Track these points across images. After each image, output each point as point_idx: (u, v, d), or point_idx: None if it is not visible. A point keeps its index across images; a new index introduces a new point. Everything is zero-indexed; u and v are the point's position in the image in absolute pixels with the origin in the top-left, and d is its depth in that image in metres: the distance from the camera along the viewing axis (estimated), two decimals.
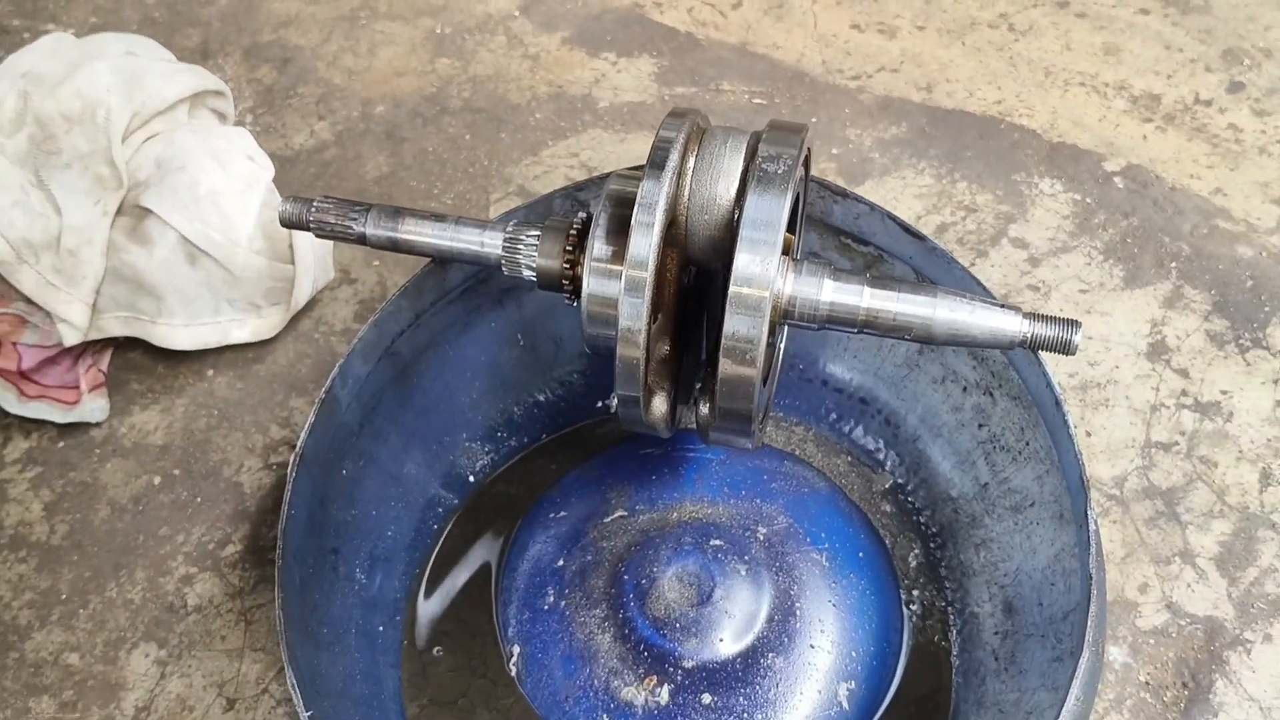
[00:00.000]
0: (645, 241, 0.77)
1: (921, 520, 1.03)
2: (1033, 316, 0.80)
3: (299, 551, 0.88)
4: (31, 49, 1.18)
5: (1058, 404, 0.83)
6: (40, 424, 1.15)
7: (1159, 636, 0.97)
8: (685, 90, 1.37)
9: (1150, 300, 1.15)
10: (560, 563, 1.00)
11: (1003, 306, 0.81)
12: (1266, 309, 1.14)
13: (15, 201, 1.06)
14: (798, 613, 0.94)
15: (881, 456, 1.07)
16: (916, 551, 1.02)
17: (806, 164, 0.88)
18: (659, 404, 0.84)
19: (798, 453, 1.09)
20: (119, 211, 1.10)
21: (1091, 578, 0.75)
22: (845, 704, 0.92)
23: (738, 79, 1.37)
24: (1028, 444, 0.94)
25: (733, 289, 0.75)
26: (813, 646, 0.93)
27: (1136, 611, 0.98)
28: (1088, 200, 1.23)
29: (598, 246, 0.81)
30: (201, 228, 1.09)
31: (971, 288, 0.90)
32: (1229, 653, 0.96)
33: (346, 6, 1.49)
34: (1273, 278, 1.16)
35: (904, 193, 1.26)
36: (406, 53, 1.44)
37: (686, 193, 0.81)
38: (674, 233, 0.81)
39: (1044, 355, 0.87)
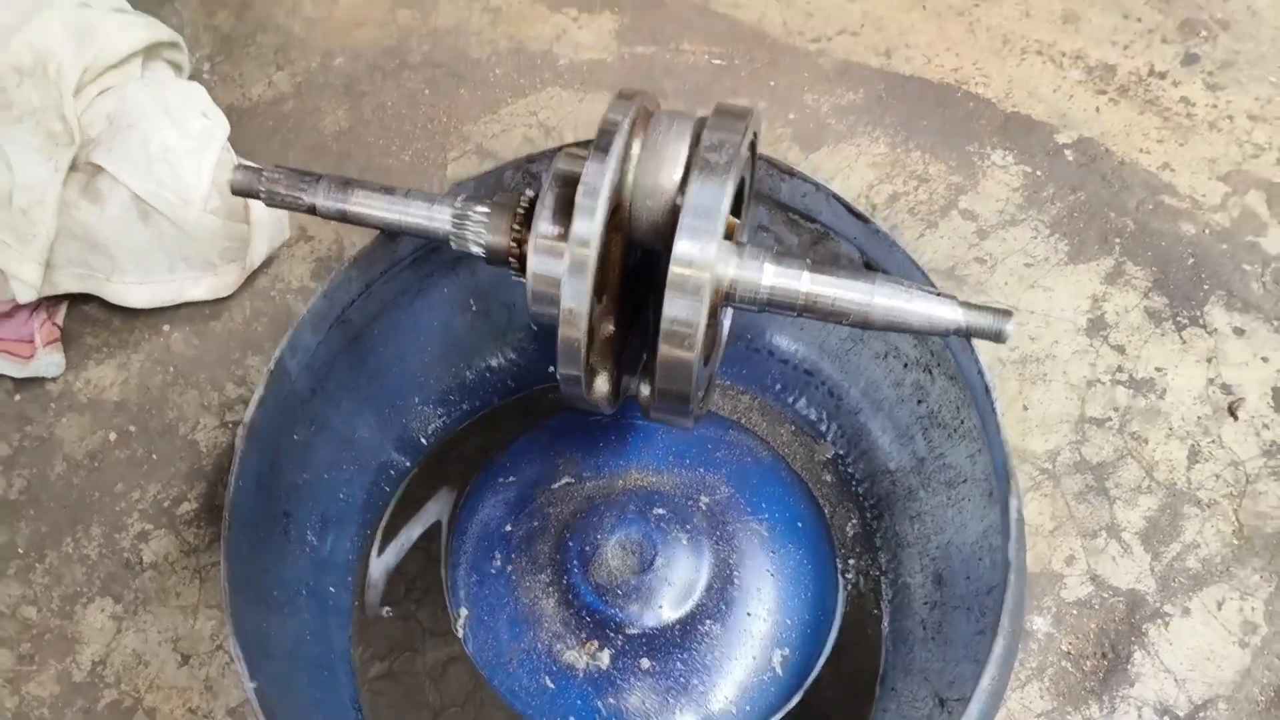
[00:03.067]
0: (588, 225, 0.78)
1: (860, 491, 1.06)
2: (967, 306, 0.82)
3: (249, 517, 0.90)
4: None
5: (987, 391, 0.86)
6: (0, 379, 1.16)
7: (1082, 608, 1.01)
8: (645, 49, 1.36)
9: (1092, 276, 1.18)
10: (508, 528, 1.02)
11: (939, 295, 0.83)
12: (1205, 287, 1.16)
13: None
14: (736, 581, 0.98)
15: (824, 428, 1.09)
16: (854, 521, 1.05)
17: (753, 147, 0.89)
18: (601, 384, 0.86)
19: (743, 421, 1.11)
20: (71, 168, 1.10)
21: (1009, 564, 0.78)
22: (779, 669, 0.96)
23: (698, 39, 1.37)
24: (963, 422, 0.96)
25: (672, 273, 0.77)
26: (749, 614, 0.97)
27: (1062, 583, 1.02)
28: (1038, 173, 1.25)
29: (543, 226, 0.82)
30: (154, 186, 1.09)
31: (911, 272, 0.92)
32: (1148, 625, 1.00)
33: None
34: (1213, 256, 1.18)
35: (858, 160, 1.27)
36: (367, 3, 1.42)
37: (631, 177, 0.82)
38: (618, 217, 0.82)
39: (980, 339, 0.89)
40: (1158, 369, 1.12)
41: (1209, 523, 1.04)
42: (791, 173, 0.98)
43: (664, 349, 0.79)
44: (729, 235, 0.84)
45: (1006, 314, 0.83)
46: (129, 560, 1.06)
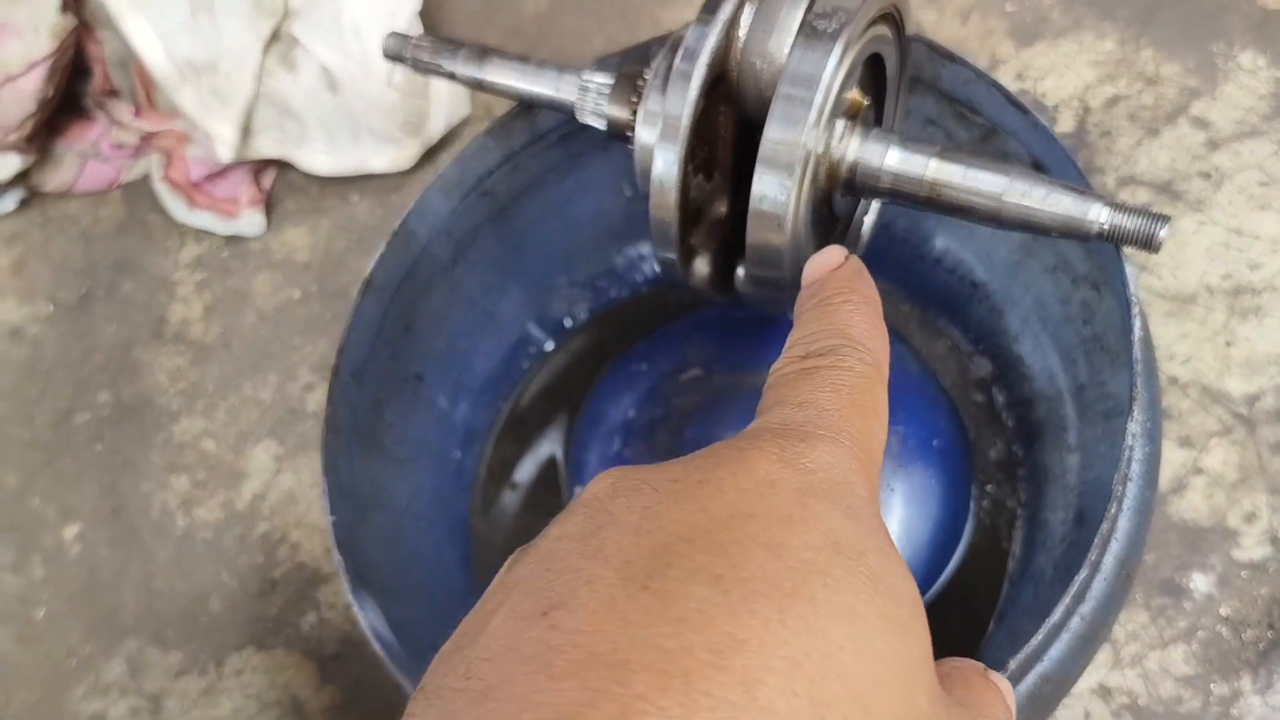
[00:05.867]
0: (680, 90, 0.74)
1: (1013, 416, 0.97)
2: (1115, 206, 0.71)
3: (377, 374, 0.94)
4: None
5: (1128, 306, 0.75)
6: (210, 234, 1.26)
7: (1254, 571, 0.88)
8: None
9: None
10: (632, 413, 1.01)
11: (1083, 192, 0.73)
12: None
13: (182, 24, 1.15)
14: None
15: (983, 345, 1.00)
16: (999, 446, 0.96)
17: (897, 24, 0.82)
18: (701, 266, 0.82)
19: (899, 330, 1.04)
20: (275, 38, 1.17)
21: (1111, 493, 0.69)
22: None
23: None
24: (1126, 347, 0.85)
25: (763, 145, 0.71)
26: None
27: (1235, 541, 0.89)
28: None
29: (652, 94, 0.79)
30: (341, 58, 1.14)
31: (1067, 170, 0.82)
32: None
33: None
34: None
35: (1078, 58, 1.13)
36: None
37: (739, 46, 0.77)
38: (726, 89, 0.78)
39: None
40: None
41: None
42: (951, 57, 0.89)
43: (752, 229, 0.74)
44: (853, 115, 0.78)
45: (1163, 219, 0.71)
46: (295, 408, 1.14)
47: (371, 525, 0.91)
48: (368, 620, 0.78)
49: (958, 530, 0.93)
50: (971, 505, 0.94)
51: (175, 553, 1.09)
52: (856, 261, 0.61)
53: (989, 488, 0.95)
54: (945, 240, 1.02)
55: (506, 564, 0.41)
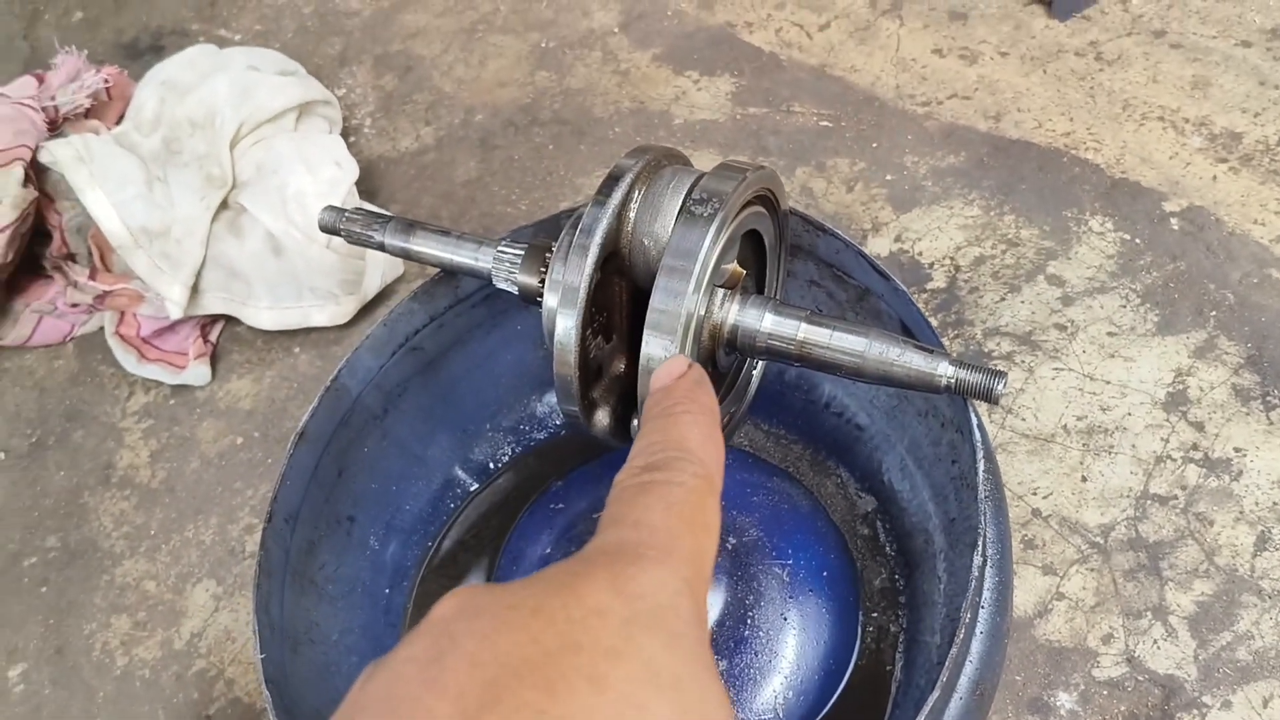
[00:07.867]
0: (577, 264, 0.84)
1: (894, 547, 1.06)
2: (959, 364, 0.83)
3: (311, 516, 1.01)
4: (174, 60, 1.37)
5: (974, 452, 0.85)
6: (159, 383, 1.35)
7: (1113, 689, 0.97)
8: (757, 110, 1.42)
9: (1180, 349, 1.13)
10: (548, 550, 1.09)
11: (932, 351, 0.84)
12: None
13: (138, 194, 1.25)
14: (748, 621, 1.00)
15: (868, 483, 1.10)
16: (884, 576, 1.05)
17: (771, 203, 0.94)
18: (601, 417, 0.92)
19: (792, 470, 1.14)
20: (224, 207, 1.28)
21: (960, 621, 0.78)
22: (780, 713, 0.98)
23: (810, 101, 1.42)
24: None
25: (650, 314, 0.82)
26: (757, 655, 0.99)
27: (1095, 661, 0.99)
28: (1137, 241, 1.21)
29: (556, 266, 0.89)
30: (285, 225, 1.24)
31: (923, 331, 0.93)
32: (1183, 714, 0.95)
33: (468, 20, 1.63)
34: None
35: (949, 223, 1.27)
36: (512, 65, 1.56)
37: (630, 227, 0.88)
38: (620, 263, 0.89)
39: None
40: (1237, 449, 1.06)
41: (1268, 614, 0.97)
42: (823, 229, 1.01)
43: (642, 386, 0.84)
44: (732, 285, 0.89)
45: (1000, 374, 0.83)
46: (234, 548, 1.21)
47: (303, 660, 0.98)
48: None
49: (846, 655, 1.01)
50: (858, 631, 1.03)
51: (115, 691, 1.14)
52: (699, 371, 0.69)
53: (874, 614, 1.03)
54: (832, 387, 1.13)
55: (361, 677, 0.44)
